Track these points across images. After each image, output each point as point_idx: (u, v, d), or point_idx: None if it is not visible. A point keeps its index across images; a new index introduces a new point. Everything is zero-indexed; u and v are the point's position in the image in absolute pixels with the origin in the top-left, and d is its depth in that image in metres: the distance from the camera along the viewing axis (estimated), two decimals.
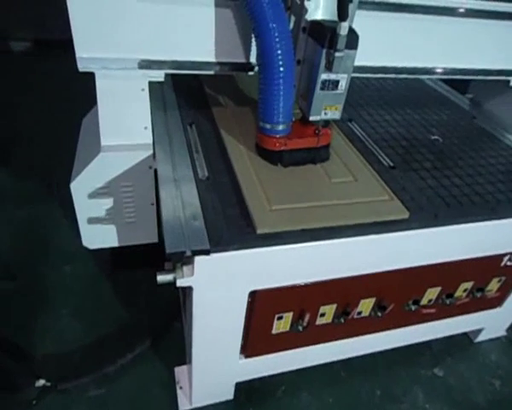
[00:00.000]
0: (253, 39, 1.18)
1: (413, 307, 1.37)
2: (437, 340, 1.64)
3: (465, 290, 1.41)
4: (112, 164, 1.32)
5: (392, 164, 1.34)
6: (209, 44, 1.21)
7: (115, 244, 1.52)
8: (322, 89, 1.10)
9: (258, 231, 0.98)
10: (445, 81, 2.08)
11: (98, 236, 1.49)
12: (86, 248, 1.86)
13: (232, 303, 1.09)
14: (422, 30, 1.37)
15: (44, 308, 1.62)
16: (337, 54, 1.02)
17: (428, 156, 1.43)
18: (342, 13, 0.96)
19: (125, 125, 1.29)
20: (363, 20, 1.10)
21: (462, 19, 1.38)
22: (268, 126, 1.16)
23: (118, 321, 1.62)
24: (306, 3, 1.06)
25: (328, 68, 1.06)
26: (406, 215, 1.11)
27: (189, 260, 0.96)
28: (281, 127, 1.15)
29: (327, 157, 1.27)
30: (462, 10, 1.35)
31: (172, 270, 0.98)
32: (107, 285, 1.74)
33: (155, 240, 1.54)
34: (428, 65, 1.47)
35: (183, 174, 1.14)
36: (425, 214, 1.14)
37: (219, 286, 1.03)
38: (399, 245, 1.14)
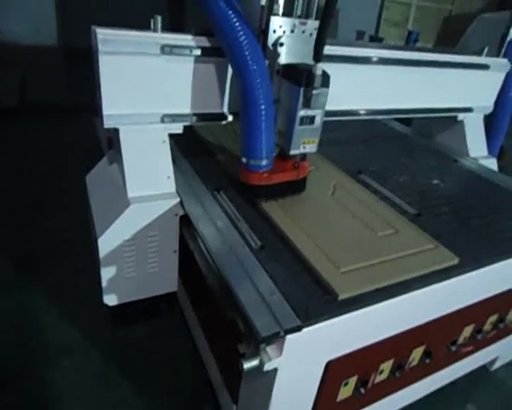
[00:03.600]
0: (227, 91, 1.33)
1: (453, 348, 1.40)
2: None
3: (491, 323, 1.48)
4: (140, 215, 1.30)
5: (417, 212, 1.41)
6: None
7: (137, 297, 1.44)
8: (300, 124, 1.19)
9: (340, 297, 0.95)
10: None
11: (119, 290, 1.40)
12: (82, 337, 1.64)
13: (309, 377, 1.02)
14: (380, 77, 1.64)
15: None
16: (314, 91, 1.13)
17: (441, 201, 1.52)
18: (318, 55, 1.08)
19: (149, 176, 1.31)
20: None
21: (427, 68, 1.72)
22: (252, 162, 1.22)
23: None
24: (279, 49, 1.18)
25: (306, 105, 1.15)
26: (456, 261, 1.16)
27: (274, 340, 0.90)
28: (264, 162, 1.22)
29: (304, 188, 1.35)
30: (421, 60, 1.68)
31: (253, 353, 0.91)
32: (114, 375, 1.54)
33: (175, 289, 1.50)
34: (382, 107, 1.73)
35: (237, 247, 1.09)
36: (469, 257, 1.20)
37: (302, 362, 0.96)
38: (453, 290, 1.17)
